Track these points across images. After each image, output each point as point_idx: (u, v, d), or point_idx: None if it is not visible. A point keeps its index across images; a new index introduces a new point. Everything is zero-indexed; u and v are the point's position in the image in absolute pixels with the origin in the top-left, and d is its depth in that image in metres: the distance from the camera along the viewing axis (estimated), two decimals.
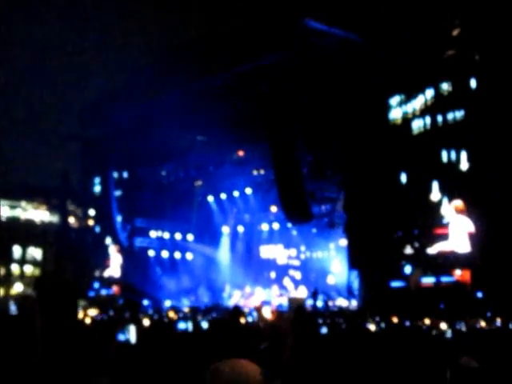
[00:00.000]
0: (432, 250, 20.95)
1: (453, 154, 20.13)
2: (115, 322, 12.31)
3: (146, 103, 27.07)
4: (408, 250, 21.92)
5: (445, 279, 20.31)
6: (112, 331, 8.71)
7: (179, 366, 7.19)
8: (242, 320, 10.94)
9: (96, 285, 33.75)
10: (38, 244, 38.86)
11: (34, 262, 38.85)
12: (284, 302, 27.70)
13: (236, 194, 33.06)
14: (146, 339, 9.83)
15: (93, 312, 22.49)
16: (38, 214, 39.81)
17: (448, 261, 20.47)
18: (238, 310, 11.77)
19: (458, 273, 19.99)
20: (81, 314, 19.61)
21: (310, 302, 25.88)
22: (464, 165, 19.89)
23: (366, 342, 11.41)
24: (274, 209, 31.66)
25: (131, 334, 9.46)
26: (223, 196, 33.71)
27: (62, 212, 38.70)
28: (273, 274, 32.79)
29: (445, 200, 20.49)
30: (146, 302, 28.50)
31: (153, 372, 7.38)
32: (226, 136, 27.96)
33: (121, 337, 9.20)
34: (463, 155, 19.90)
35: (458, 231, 20.10)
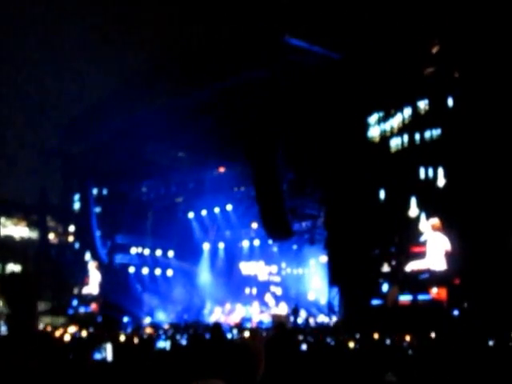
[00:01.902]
0: (408, 267, 21.03)
1: (430, 171, 20.29)
2: (92, 340, 12.23)
3: (126, 119, 27.06)
4: (385, 268, 21.99)
5: (421, 297, 20.38)
6: (88, 349, 8.65)
7: None
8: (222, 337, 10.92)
9: (74, 302, 33.51)
10: (18, 260, 38.48)
11: None
12: (265, 318, 27.70)
13: (217, 210, 33.04)
14: (123, 357, 9.78)
15: (72, 329, 22.33)
16: (18, 230, 39.45)
17: (424, 279, 20.55)
18: (218, 327, 11.77)
19: (434, 291, 20.06)
20: (60, 331, 19.47)
21: (290, 319, 25.91)
22: (441, 181, 20.06)
23: (344, 358, 11.44)
24: (254, 225, 31.68)
25: (108, 352, 9.41)
26: (204, 212, 33.67)
27: (41, 228, 38.43)
28: (254, 291, 32.76)
29: (423, 216, 20.62)
30: (125, 319, 28.33)
31: None
32: (206, 152, 28.00)
33: (97, 355, 9.14)
34: (440, 172, 20.08)
35: (434, 249, 20.20)
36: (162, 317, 30.45)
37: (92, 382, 7.18)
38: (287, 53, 21.74)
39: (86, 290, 33.76)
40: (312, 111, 23.02)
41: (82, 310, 33.07)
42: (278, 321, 25.26)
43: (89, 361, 7.50)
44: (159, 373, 7.83)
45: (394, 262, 21.89)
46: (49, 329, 23.18)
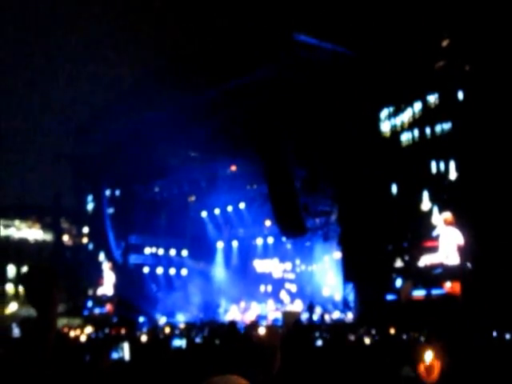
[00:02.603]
0: (421, 262, 20.99)
1: (442, 165, 20.27)
2: (109, 340, 12.28)
3: (138, 120, 27.15)
4: (398, 263, 21.98)
5: (435, 292, 20.34)
6: (106, 349, 8.69)
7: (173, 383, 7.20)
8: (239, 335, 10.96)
9: (89, 303, 33.67)
10: (33, 263, 38.69)
11: None
12: (280, 316, 27.70)
13: (230, 208, 33.09)
14: (140, 356, 9.82)
15: (88, 330, 22.44)
16: (32, 232, 39.72)
17: (438, 273, 20.51)
18: (233, 326, 11.82)
19: (448, 285, 20.02)
20: (76, 332, 19.57)
21: (305, 316, 25.89)
22: (453, 175, 20.03)
23: (361, 354, 11.42)
24: (268, 223, 31.68)
25: (125, 352, 9.46)
26: (217, 211, 33.73)
27: (55, 230, 38.66)
28: (269, 288, 32.80)
29: (435, 210, 20.57)
30: (141, 319, 28.43)
31: None
32: (218, 151, 28.04)
33: (114, 355, 9.19)
34: (452, 166, 20.05)
35: (447, 243, 20.15)
36: (178, 316, 30.52)
37: (110, 382, 7.21)
38: (297, 50, 21.74)
39: (100, 291, 33.91)
40: (322, 108, 23.00)
41: (97, 310, 33.23)
42: (288, 318, 25.27)
43: (106, 361, 7.52)
44: (176, 371, 7.86)
45: (406, 257, 21.90)
46: (65, 330, 23.31)
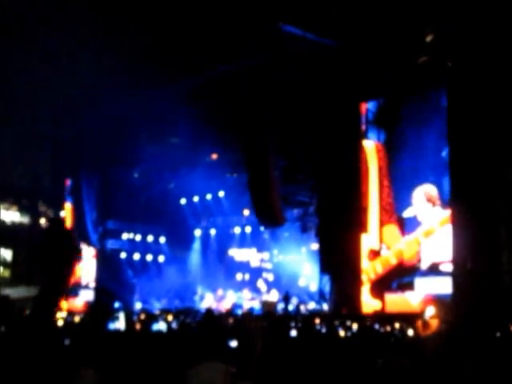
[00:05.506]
0: None
1: None
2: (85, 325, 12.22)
3: (119, 105, 26.98)
4: None
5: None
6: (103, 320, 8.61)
7: (154, 370, 7.20)
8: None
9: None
10: (9, 245, 38.37)
11: (5, 264, 38.37)
12: (255, 305, 27.82)
13: (209, 197, 33.10)
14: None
15: (64, 314, 22.33)
16: (9, 214, 39.32)
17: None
18: (210, 314, 11.85)
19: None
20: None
21: (281, 306, 26.03)
22: None
23: (336, 345, 11.53)
24: (246, 212, 31.75)
25: (121, 322, 9.45)
26: (196, 199, 33.72)
27: (32, 213, 38.32)
28: (246, 277, 32.91)
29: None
30: (116, 305, 28.35)
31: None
32: (199, 139, 27.96)
33: (111, 325, 9.17)
34: None
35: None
36: (153, 302, 30.50)
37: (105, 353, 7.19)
38: (281, 40, 21.69)
39: (83, 280, 33.59)
40: (305, 98, 23.01)
41: (74, 294, 33.04)
42: (267, 307, 25.42)
43: (103, 331, 7.50)
44: (158, 357, 7.86)
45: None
46: None
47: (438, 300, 17.83)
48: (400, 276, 20.83)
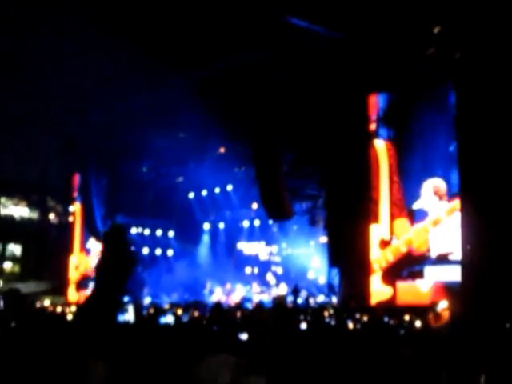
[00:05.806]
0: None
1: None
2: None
3: (127, 100, 26.99)
4: None
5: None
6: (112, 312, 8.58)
7: (163, 362, 7.24)
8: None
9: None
10: (18, 240, 38.57)
11: (14, 259, 38.60)
12: (265, 298, 27.87)
13: (217, 190, 33.13)
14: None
15: (73, 308, 22.47)
16: (18, 210, 39.50)
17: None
18: (219, 307, 11.86)
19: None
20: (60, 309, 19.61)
21: (290, 299, 26.06)
22: None
23: (345, 338, 11.52)
24: (255, 206, 31.77)
25: (130, 314, 9.48)
26: (204, 193, 33.76)
27: (41, 208, 38.48)
28: (255, 270, 32.95)
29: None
30: (126, 299, 28.43)
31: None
32: (207, 133, 27.98)
33: (121, 317, 9.20)
34: None
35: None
36: (163, 297, 30.58)
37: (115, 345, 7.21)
38: (287, 33, 21.63)
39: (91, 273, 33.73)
40: (312, 91, 22.97)
41: (82, 289, 33.19)
42: (278, 300, 25.45)
43: (113, 323, 7.49)
44: (167, 349, 7.89)
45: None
46: (50, 309, 23.34)
47: (447, 289, 17.88)
48: (410, 264, 20.89)
